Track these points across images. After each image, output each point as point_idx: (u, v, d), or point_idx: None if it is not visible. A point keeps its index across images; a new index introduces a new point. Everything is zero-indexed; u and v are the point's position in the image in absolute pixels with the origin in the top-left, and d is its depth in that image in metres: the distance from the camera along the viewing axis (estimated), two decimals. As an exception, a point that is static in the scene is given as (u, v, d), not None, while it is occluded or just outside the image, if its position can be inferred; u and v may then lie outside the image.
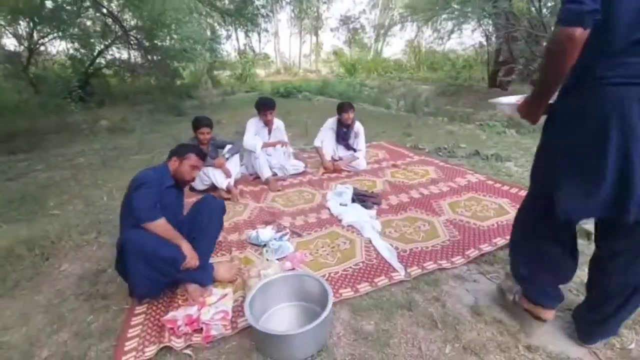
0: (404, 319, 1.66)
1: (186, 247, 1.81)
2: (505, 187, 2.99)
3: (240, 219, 2.75)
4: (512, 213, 2.55)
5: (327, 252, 2.21)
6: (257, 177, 3.66)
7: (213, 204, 2.06)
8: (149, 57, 12.12)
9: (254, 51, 23.99)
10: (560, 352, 1.45)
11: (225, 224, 2.65)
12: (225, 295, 1.82)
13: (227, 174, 3.24)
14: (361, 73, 17.62)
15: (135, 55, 12.84)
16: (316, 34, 26.61)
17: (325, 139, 3.84)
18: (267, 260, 2.05)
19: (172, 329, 1.62)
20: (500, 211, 2.60)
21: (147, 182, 1.80)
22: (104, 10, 10.34)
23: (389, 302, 1.77)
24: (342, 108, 3.71)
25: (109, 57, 12.65)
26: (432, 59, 16.77)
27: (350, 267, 2.04)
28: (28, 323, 1.82)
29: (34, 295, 2.05)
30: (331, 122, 3.88)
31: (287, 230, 2.44)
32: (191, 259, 1.80)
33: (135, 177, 1.84)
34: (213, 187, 3.30)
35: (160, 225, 1.77)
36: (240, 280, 1.95)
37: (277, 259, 2.13)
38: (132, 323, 1.69)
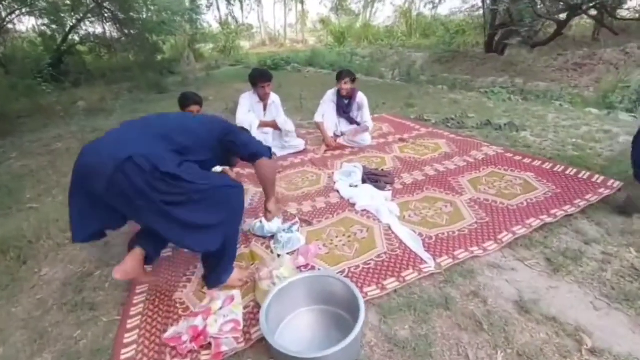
0: (442, 320, 1.45)
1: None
2: (527, 160, 2.75)
3: (241, 206, 2.47)
4: (540, 189, 2.32)
5: (344, 243, 1.97)
6: (254, 158, 3.35)
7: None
8: (126, 31, 11.32)
9: (237, 21, 22.83)
10: (628, 353, 1.26)
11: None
12: (232, 298, 1.57)
13: (222, 157, 2.92)
14: (351, 42, 16.87)
15: (111, 30, 11.98)
16: (302, 2, 25.30)
17: (327, 113, 3.52)
18: (279, 256, 1.79)
19: (174, 347, 1.37)
20: (527, 187, 2.37)
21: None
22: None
23: (422, 300, 1.55)
24: (340, 77, 3.37)
25: (82, 32, 11.78)
26: (424, 25, 16.09)
27: (372, 260, 1.80)
28: (5, 342, 1.57)
29: (11, 307, 1.78)
30: (331, 94, 3.54)
31: (297, 219, 2.17)
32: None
33: (224, 125, 1.75)
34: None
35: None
36: (249, 283, 1.70)
37: (288, 253, 1.88)
38: (125, 341, 1.44)
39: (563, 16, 8.08)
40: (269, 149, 1.80)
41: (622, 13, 9.81)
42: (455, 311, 1.48)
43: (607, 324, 1.38)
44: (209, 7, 20.49)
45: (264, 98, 3.33)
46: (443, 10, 16.85)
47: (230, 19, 22.22)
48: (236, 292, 1.59)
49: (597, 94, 5.18)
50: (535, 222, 1.98)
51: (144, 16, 11.59)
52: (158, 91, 8.29)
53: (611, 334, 1.34)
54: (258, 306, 1.53)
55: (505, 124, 3.54)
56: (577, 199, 2.15)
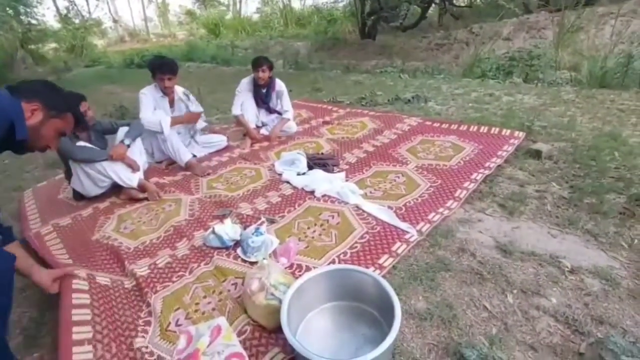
0: (447, 282, 1.47)
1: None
2: (445, 125, 3.05)
3: (179, 220, 2.07)
4: (467, 148, 2.59)
5: (319, 233, 1.83)
6: (172, 163, 2.88)
7: None
8: None
9: (82, 16, 19.33)
10: (592, 265, 1.49)
11: (161, 232, 1.97)
12: (219, 328, 1.28)
13: (134, 167, 2.40)
14: (227, 34, 16.11)
15: None
16: (160, -7, 22.94)
17: (245, 104, 3.23)
18: (264, 261, 1.54)
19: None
20: (456, 148, 2.61)
21: None
22: None
23: (422, 268, 1.54)
24: (256, 65, 3.12)
25: None
26: (298, 15, 16.42)
27: (357, 243, 1.72)
28: None
29: None
30: (246, 84, 3.26)
31: (263, 219, 1.93)
32: None
33: None
34: (113, 189, 2.44)
35: None
36: (233, 305, 1.42)
37: (264, 258, 1.65)
38: None
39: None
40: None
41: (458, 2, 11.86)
42: (454, 270, 1.52)
43: (567, 247, 1.61)
44: (39, 1, 16.59)
45: (167, 93, 2.86)
46: (311, 1, 17.46)
47: (72, 13, 18.63)
48: (220, 320, 1.30)
49: (462, 67, 6.10)
50: (478, 176, 2.20)
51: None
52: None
53: (575, 254, 1.57)
54: (260, 328, 1.29)
55: (412, 97, 3.86)
56: (498, 151, 2.47)
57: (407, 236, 1.73)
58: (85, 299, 1.36)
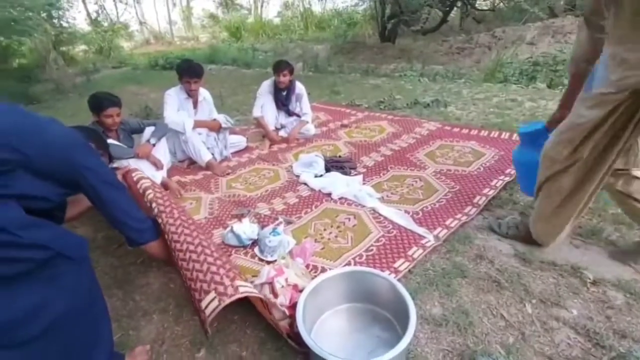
0: (464, 288, 1.46)
1: None
2: (465, 130, 3.01)
3: (199, 218, 2.13)
4: (487, 154, 2.56)
5: (335, 235, 1.85)
6: (193, 163, 2.96)
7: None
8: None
9: (111, 20, 20.09)
10: (616, 278, 1.44)
11: (182, 229, 2.02)
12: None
13: (158, 165, 2.49)
14: (248, 37, 16.37)
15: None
16: (186, -3, 23.57)
17: (265, 106, 3.29)
18: (282, 260, 1.57)
19: None
20: (476, 154, 2.58)
21: None
22: None
23: (438, 274, 1.54)
24: (278, 68, 3.17)
25: None
26: (319, 18, 16.53)
27: (373, 246, 1.73)
28: None
29: None
30: (267, 87, 3.32)
31: (280, 220, 1.96)
32: None
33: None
34: (138, 186, 2.52)
35: None
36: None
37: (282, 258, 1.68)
38: None
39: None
40: (154, 229, 1.38)
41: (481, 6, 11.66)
42: (471, 277, 1.51)
43: (590, 258, 1.57)
44: (69, 3, 17.40)
45: (192, 95, 2.94)
46: (331, 4, 17.54)
47: (102, 16, 19.39)
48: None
49: (482, 72, 6.01)
50: (498, 183, 2.16)
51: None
52: (27, 101, 6.79)
53: (598, 265, 1.52)
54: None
55: (432, 102, 3.83)
56: (520, 158, 2.42)
57: (423, 241, 1.72)
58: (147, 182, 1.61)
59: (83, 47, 16.15)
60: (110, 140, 2.38)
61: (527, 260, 1.57)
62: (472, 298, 1.41)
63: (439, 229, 1.81)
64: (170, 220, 1.40)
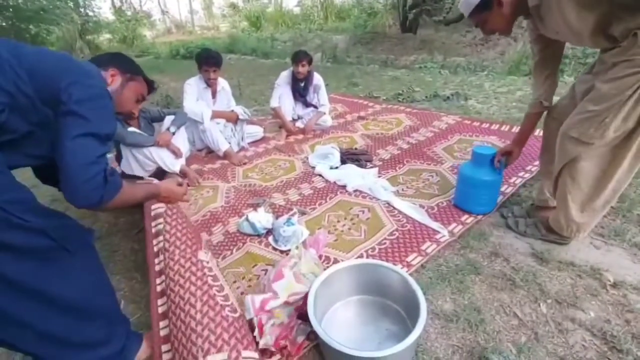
0: (477, 285, 1.44)
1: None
2: (485, 125, 2.94)
3: (216, 206, 2.18)
4: (507, 149, 2.49)
5: (349, 227, 1.85)
6: (211, 152, 3.01)
7: None
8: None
9: (134, 9, 20.42)
10: (638, 281, 1.40)
11: (199, 217, 2.08)
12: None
13: (178, 153, 2.54)
14: (268, 27, 16.34)
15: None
16: (206, -15, 23.64)
17: (283, 97, 3.29)
18: (296, 250, 1.59)
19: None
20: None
21: None
22: None
23: (451, 270, 1.52)
24: (297, 58, 3.15)
25: None
26: (339, 8, 16.30)
27: (386, 239, 1.72)
28: None
29: None
30: (285, 77, 3.32)
31: (295, 210, 1.98)
32: None
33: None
34: (158, 174, 2.59)
35: None
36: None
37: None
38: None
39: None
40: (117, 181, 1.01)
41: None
42: (485, 274, 1.49)
43: (611, 260, 1.52)
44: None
45: (211, 84, 2.98)
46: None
47: (125, 5, 19.75)
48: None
49: (507, 64, 5.81)
50: (517, 180, 2.11)
51: (19, 3, 9.63)
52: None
53: (619, 267, 1.48)
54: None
55: (452, 95, 3.74)
56: (542, 154, 2.35)
57: (437, 236, 1.71)
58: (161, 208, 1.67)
59: (107, 36, 16.52)
60: (131, 129, 2.45)
61: (545, 260, 1.54)
62: (485, 295, 1.39)
63: (454, 224, 1.79)
64: (171, 263, 1.34)
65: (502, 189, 2.03)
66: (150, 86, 1.32)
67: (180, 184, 1.36)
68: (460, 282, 1.46)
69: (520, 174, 2.17)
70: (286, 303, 1.24)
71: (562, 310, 1.30)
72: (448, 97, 3.74)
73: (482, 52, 7.86)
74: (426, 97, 3.91)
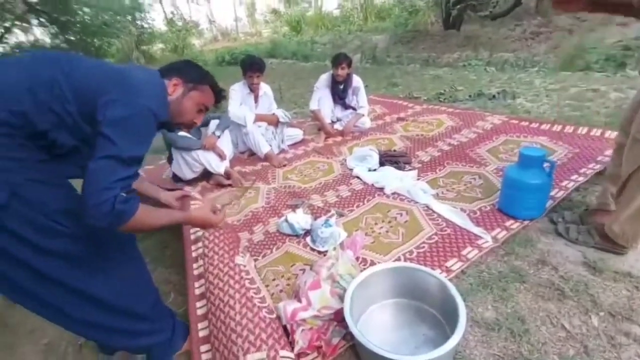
0: (522, 294, 1.38)
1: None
2: (534, 125, 2.78)
3: (257, 207, 2.27)
4: (559, 151, 2.34)
5: (386, 229, 1.85)
6: (252, 154, 3.14)
7: None
8: (65, 36, 10.34)
9: (184, 19, 21.68)
10: None
11: (241, 216, 2.18)
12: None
13: (222, 156, 2.69)
14: (308, 30, 16.58)
15: (46, 35, 10.87)
16: (252, -6, 24.49)
17: (322, 99, 3.35)
18: (333, 251, 1.63)
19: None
20: (546, 151, 2.37)
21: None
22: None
23: (493, 277, 1.47)
24: (336, 61, 3.19)
25: (12, 42, 10.59)
26: (379, 8, 16.14)
27: (425, 243, 1.70)
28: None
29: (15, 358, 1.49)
30: (325, 80, 3.37)
31: (333, 212, 2.02)
32: None
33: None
34: (204, 175, 2.75)
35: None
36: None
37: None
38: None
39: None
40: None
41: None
42: (531, 283, 1.43)
43: (679, 273, 1.39)
44: (151, 5, 19.24)
45: (253, 89, 3.11)
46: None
47: (176, 16, 21.03)
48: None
49: (561, 59, 5.42)
50: (570, 184, 1.98)
51: (85, 19, 10.63)
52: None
53: (688, 281, 1.34)
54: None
55: (498, 93, 3.58)
56: (599, 156, 2.19)
57: (479, 241, 1.66)
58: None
59: (160, 45, 17.69)
60: (181, 133, 2.63)
61: (598, 270, 1.44)
62: (530, 305, 1.33)
63: (498, 229, 1.72)
64: (210, 268, 1.43)
65: (552, 192, 1.91)
66: (218, 95, 1.27)
67: (216, 210, 1.25)
68: (503, 289, 1.41)
69: (573, 177, 2.03)
70: (316, 316, 1.27)
71: (616, 324, 1.21)
72: (494, 96, 3.58)
73: (532, 47, 7.41)
74: (470, 96, 3.76)
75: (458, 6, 9.60)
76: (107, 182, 0.87)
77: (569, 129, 2.60)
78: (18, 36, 11.00)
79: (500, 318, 1.29)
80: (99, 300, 1.04)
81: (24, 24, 10.36)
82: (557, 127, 2.66)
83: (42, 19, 9.70)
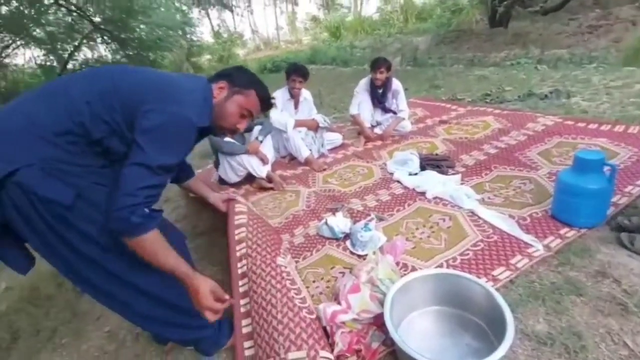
0: (578, 308, 1.28)
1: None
2: (592, 126, 2.57)
3: (298, 210, 2.32)
4: (622, 153, 2.15)
5: (428, 235, 1.81)
6: (293, 159, 3.21)
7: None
8: (124, 51, 11.29)
9: (229, 31, 22.78)
10: None
11: (282, 219, 2.24)
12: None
13: (265, 160, 2.78)
14: (347, 35, 16.67)
15: (108, 51, 11.94)
16: (294, 3, 25.16)
17: (362, 104, 3.36)
18: (373, 255, 1.62)
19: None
20: (607, 154, 2.17)
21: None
22: (71, 7, 9.44)
23: (546, 288, 1.38)
24: (375, 66, 3.18)
25: (81, 59, 11.75)
26: (420, 9, 15.84)
27: (469, 250, 1.64)
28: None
29: (80, 344, 1.65)
30: (364, 84, 3.38)
31: (372, 216, 2.02)
32: None
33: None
34: (248, 178, 2.86)
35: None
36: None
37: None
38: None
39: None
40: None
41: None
42: (589, 296, 1.32)
43: None
44: (200, 19, 20.50)
45: (294, 95, 3.19)
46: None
47: (222, 28, 22.19)
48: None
49: (623, 53, 4.97)
50: (634, 190, 1.81)
51: (141, 35, 11.54)
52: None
53: None
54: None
55: (550, 92, 3.36)
56: (670, 159, 1.98)
57: (530, 250, 1.56)
58: (243, 218, 1.67)
59: (208, 56, 18.73)
60: (227, 138, 2.76)
61: (670, 284, 1.30)
62: (588, 320, 1.23)
63: (551, 237, 1.61)
64: (253, 268, 1.47)
65: (614, 199, 1.76)
66: (264, 103, 1.22)
67: (219, 298, 1.06)
68: (557, 302, 1.31)
69: (638, 182, 1.85)
70: (355, 320, 1.27)
71: (693, 346, 1.09)
72: (546, 96, 3.36)
73: (590, 42, 6.86)
74: (519, 96, 3.57)
75: (505, 2, 9.15)
76: (132, 188, 0.90)
77: (633, 129, 2.38)
78: (85, 53, 12.19)
79: (554, 332, 1.21)
80: (156, 296, 1.12)
81: (90, 42, 11.46)
82: (619, 128, 2.44)
83: (105, 37, 10.66)
